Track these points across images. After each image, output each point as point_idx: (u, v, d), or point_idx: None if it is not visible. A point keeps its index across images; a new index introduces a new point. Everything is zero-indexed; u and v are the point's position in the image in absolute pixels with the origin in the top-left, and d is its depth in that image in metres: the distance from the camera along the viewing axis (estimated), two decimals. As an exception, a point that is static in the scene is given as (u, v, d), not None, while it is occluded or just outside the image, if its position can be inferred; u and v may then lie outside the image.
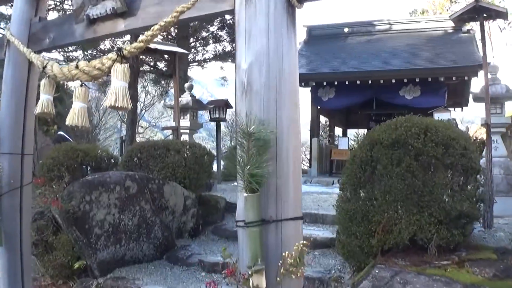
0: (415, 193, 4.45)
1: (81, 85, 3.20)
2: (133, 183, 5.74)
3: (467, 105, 19.08)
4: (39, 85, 3.46)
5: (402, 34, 18.26)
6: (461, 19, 7.27)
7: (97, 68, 3.00)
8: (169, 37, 19.67)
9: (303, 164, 32.06)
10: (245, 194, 2.29)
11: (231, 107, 14.56)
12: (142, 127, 32.88)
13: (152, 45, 7.09)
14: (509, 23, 22.50)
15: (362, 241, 4.63)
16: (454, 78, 15.03)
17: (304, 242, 2.32)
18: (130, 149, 7.24)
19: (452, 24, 17.94)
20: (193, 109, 10.56)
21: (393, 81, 15.27)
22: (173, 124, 9.71)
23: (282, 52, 2.50)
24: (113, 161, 7.41)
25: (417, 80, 15.13)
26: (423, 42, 17.40)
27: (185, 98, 10.42)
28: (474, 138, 12.54)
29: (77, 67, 3.07)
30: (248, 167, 2.20)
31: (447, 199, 4.45)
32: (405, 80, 15.25)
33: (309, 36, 19.49)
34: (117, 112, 30.35)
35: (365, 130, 22.32)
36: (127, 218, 5.62)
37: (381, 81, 15.30)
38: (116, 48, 3.09)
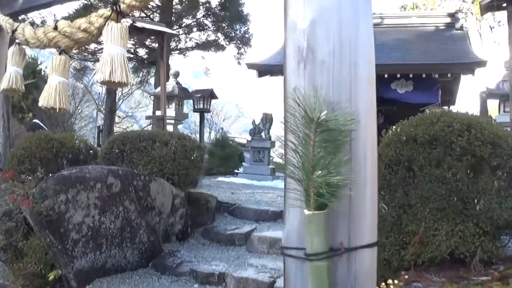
0: (460, 199, 3.77)
1: (60, 53, 2.39)
2: (116, 180, 4.94)
3: (454, 104, 18.67)
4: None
5: (394, 28, 17.68)
6: (489, 6, 6.64)
7: (83, 30, 2.20)
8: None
9: (283, 160, 31.54)
10: (309, 212, 1.53)
11: (216, 97, 13.79)
12: (119, 117, 31.79)
13: (139, 24, 6.26)
14: (499, 22, 22.21)
15: (391, 253, 3.93)
16: (449, 75, 14.51)
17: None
18: (112, 140, 6.38)
19: (444, 20, 17.47)
20: (178, 98, 9.76)
21: (386, 76, 14.67)
22: (155, 113, 8.88)
23: (358, 8, 1.74)
24: (92, 152, 6.58)
25: (411, 75, 14.56)
26: (416, 37, 16.86)
27: (170, 86, 9.60)
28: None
29: (55, 28, 2.26)
30: (319, 172, 1.44)
31: (494, 207, 3.78)
32: (398, 75, 14.67)
33: (296, 27, 18.67)
34: (94, 100, 29.25)
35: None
36: (108, 220, 4.82)
37: (373, 75, 14.65)
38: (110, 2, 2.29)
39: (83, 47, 17.86)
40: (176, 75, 9.93)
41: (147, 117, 11.31)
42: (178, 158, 6.07)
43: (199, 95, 12.32)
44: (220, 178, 12.97)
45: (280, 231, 6.13)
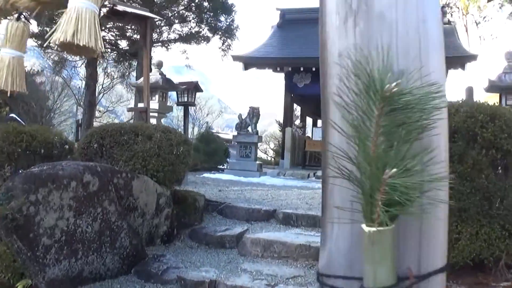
0: (485, 198, 3.34)
1: (18, 19, 1.89)
2: (94, 178, 4.40)
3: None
4: None
5: (382, 20, 17.32)
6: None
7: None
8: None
9: (268, 155, 31.08)
10: (371, 229, 1.04)
11: (200, 90, 13.27)
12: (99, 111, 31.05)
13: (120, 7, 5.70)
14: (484, 18, 22.02)
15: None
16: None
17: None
18: (90, 133, 5.82)
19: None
20: (162, 89, 9.21)
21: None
22: (138, 106, 8.32)
23: None
24: (67, 147, 6.01)
25: (401, 68, 14.20)
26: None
27: (154, 76, 9.05)
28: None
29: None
30: (394, 170, 0.96)
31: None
32: (388, 68, 14.30)
33: (282, 20, 18.33)
34: (73, 94, 28.45)
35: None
36: (85, 223, 4.29)
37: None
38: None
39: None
40: (160, 65, 9.38)
41: (129, 109, 10.73)
42: (163, 153, 5.56)
43: (184, 86, 11.78)
44: (206, 174, 12.48)
45: (273, 232, 5.67)
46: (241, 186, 10.19)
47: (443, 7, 17.30)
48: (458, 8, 19.43)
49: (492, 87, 8.47)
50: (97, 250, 4.41)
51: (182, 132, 13.49)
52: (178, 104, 12.92)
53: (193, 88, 12.53)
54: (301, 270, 4.73)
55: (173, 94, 14.30)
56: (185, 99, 12.53)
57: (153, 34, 18.48)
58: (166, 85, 9.19)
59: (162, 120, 10.13)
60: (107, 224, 4.50)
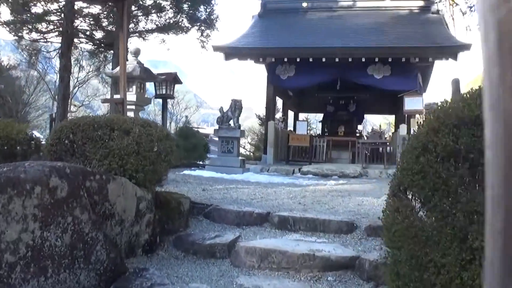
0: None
1: None
2: (62, 181, 3.69)
3: (425, 91, 17.95)
4: None
5: (367, 11, 16.86)
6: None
7: None
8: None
9: (246, 150, 30.42)
10: None
11: (180, 82, 12.55)
12: (75, 105, 29.98)
13: (91, -16, 4.96)
14: (471, 8, 21.63)
15: (449, 277, 2.89)
16: (430, 59, 13.75)
17: None
18: (59, 128, 5.07)
19: (419, 3, 16.70)
20: (140, 80, 8.46)
21: (363, 59, 13.77)
22: (116, 97, 7.56)
23: None
24: (34, 144, 5.27)
25: (389, 59, 13.71)
26: (391, 20, 16.07)
27: (131, 65, 8.28)
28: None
29: None
30: None
31: None
32: (376, 59, 13.79)
33: (263, 9, 17.68)
34: (49, 88, 27.36)
35: (321, 114, 20.97)
36: (54, 236, 3.59)
37: (349, 59, 13.74)
38: None
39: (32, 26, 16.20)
40: (137, 53, 8.61)
41: (104, 101, 9.92)
42: (143, 150, 4.86)
43: (163, 77, 11.04)
44: (186, 171, 11.78)
45: (269, 238, 5.04)
46: (225, 184, 9.53)
47: (430, -5, 16.85)
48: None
49: None
50: (69, 267, 3.72)
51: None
52: (157, 96, 12.20)
53: (172, 79, 11.82)
54: (307, 284, 4.11)
55: (149, 89, 13.56)
56: (164, 92, 11.82)
57: (130, 23, 17.63)
58: (144, 74, 8.42)
59: (140, 114, 9.40)
60: (79, 236, 3.80)
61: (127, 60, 8.55)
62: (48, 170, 3.66)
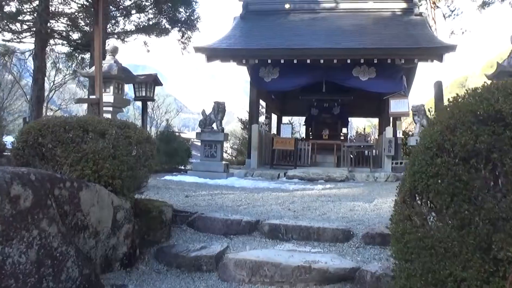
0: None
1: None
2: (26, 189, 3.22)
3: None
4: None
5: (350, 13, 16.63)
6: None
7: None
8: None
9: (228, 154, 29.94)
10: None
11: (160, 84, 12.08)
12: (51, 109, 29.20)
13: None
14: (453, 11, 21.62)
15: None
16: (415, 61, 13.49)
17: None
18: (26, 130, 4.57)
19: (402, 5, 16.50)
20: (118, 80, 7.97)
21: (348, 61, 13.46)
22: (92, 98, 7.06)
23: None
24: (-2, 148, 4.78)
25: (375, 61, 13.42)
26: (375, 22, 15.84)
27: (108, 64, 7.78)
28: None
29: None
30: None
31: None
32: (362, 61, 13.49)
33: (245, 11, 17.31)
34: (24, 92, 26.58)
35: (304, 117, 20.59)
36: (17, 251, 3.11)
37: (334, 61, 13.43)
38: None
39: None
40: (115, 51, 8.09)
41: (77, 100, 9.34)
42: (120, 154, 4.40)
43: (142, 77, 10.57)
44: (168, 177, 11.31)
45: (260, 249, 4.63)
46: (209, 189, 9.09)
47: (414, -3, 16.65)
48: (426, 0, 18.92)
49: (500, 73, 7.69)
50: (36, 286, 3.25)
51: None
52: (136, 98, 11.70)
53: (152, 81, 11.34)
54: (304, 301, 3.71)
55: (128, 93, 13.06)
56: (143, 94, 11.33)
57: (108, 24, 17.09)
58: (122, 74, 7.91)
59: (118, 116, 8.90)
60: (47, 251, 3.34)
61: (104, 59, 8.08)
62: (10, 176, 3.18)
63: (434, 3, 20.66)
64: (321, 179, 12.13)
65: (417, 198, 2.94)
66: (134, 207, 4.74)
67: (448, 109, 3.03)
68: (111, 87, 7.71)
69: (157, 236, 4.85)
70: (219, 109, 12.07)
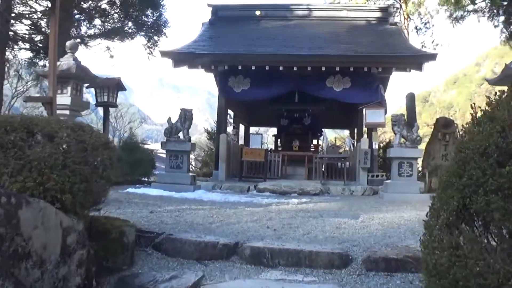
0: None
1: None
2: None
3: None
4: None
5: (324, 21, 16.17)
6: None
7: None
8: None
9: (193, 166, 28.95)
10: None
11: (123, 89, 11.20)
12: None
13: None
14: (425, 24, 21.49)
15: None
16: (393, 69, 13.06)
17: None
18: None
19: (377, 14, 16.16)
20: (76, 80, 7.07)
21: (323, 68, 12.90)
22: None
23: None
24: None
25: (351, 69, 12.91)
26: (350, 31, 15.43)
27: (66, 62, 6.88)
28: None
29: None
30: None
31: None
32: (337, 68, 12.95)
33: (214, 17, 16.62)
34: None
35: (275, 128, 19.94)
36: None
37: (308, 68, 12.84)
38: None
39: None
40: (74, 48, 7.16)
41: (27, 99, 8.20)
42: (72, 162, 3.57)
43: (104, 77, 9.72)
44: (130, 189, 10.43)
45: (243, 279, 3.87)
46: (176, 204, 8.27)
47: (388, 7, 16.32)
48: (400, 11, 18.69)
49: (506, 77, 7.24)
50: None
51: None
52: (98, 104, 10.77)
53: (115, 86, 10.46)
54: None
55: (88, 98, 12.12)
56: (105, 99, 10.43)
57: (71, 27, 16.07)
58: (82, 73, 6.99)
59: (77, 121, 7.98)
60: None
61: (62, 57, 7.18)
62: None
63: (407, 14, 20.45)
64: (294, 193, 11.46)
65: (469, 220, 2.25)
66: (90, 227, 3.93)
67: (493, 106, 2.37)
68: (69, 88, 6.80)
69: (118, 262, 4.02)
70: (186, 117, 11.26)
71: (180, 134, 11.46)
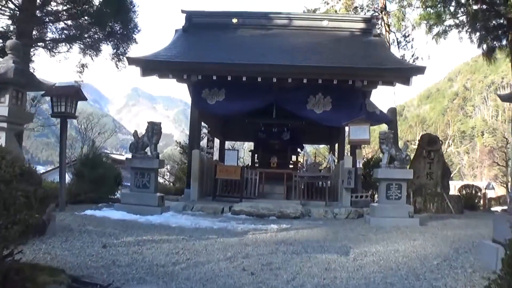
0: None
1: None
2: None
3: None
4: None
5: (305, 31, 15.33)
6: None
7: None
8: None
9: (166, 180, 27.73)
10: None
11: (84, 98, 10.05)
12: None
13: None
14: (406, 37, 20.87)
15: None
16: (379, 83, 12.20)
17: None
18: None
19: (359, 26, 15.35)
20: (16, 87, 5.91)
21: (305, 80, 11.98)
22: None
23: None
24: None
25: (334, 82, 12.01)
26: (333, 42, 14.53)
27: (4, 65, 5.69)
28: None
29: None
30: None
31: None
32: (320, 81, 12.04)
33: (188, 23, 15.60)
34: None
35: (248, 142, 18.90)
36: None
37: (289, 80, 11.92)
38: None
39: None
40: (15, 48, 5.87)
41: None
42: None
43: (58, 84, 8.56)
44: (89, 211, 9.28)
45: None
46: (137, 232, 7.15)
47: (372, 18, 15.52)
48: (381, 25, 18.01)
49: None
50: None
51: (59, 152, 10.10)
52: (53, 115, 9.57)
53: (74, 94, 9.27)
54: None
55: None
56: (63, 109, 9.25)
57: (33, 31, 14.79)
58: (23, 79, 5.74)
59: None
60: None
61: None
62: None
63: (389, 26, 19.79)
64: (273, 216, 10.43)
65: None
66: (4, 283, 2.83)
67: None
68: (7, 96, 5.57)
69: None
70: (154, 131, 10.13)
71: (148, 150, 10.34)
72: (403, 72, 11.75)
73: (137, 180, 10.13)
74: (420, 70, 11.60)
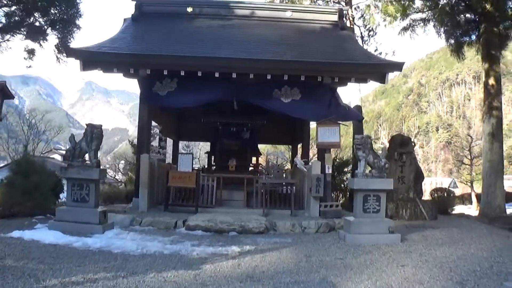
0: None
1: None
2: None
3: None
4: None
5: (269, 22, 14.02)
6: None
7: None
8: None
9: (118, 180, 25.98)
10: None
11: (10, 96, 8.47)
12: None
13: None
14: (369, 32, 19.95)
15: None
16: (352, 80, 11.07)
17: None
18: None
19: (327, 17, 14.21)
20: None
21: (268, 77, 10.71)
22: None
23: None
24: None
25: (302, 78, 10.79)
26: (298, 34, 13.32)
27: None
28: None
29: None
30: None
31: None
32: (285, 77, 10.78)
33: (138, 12, 14.05)
34: None
35: (209, 143, 17.48)
36: None
37: (251, 76, 10.61)
38: None
39: None
40: None
41: None
42: None
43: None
44: (17, 233, 7.74)
45: None
46: (68, 268, 5.68)
47: (340, 9, 14.38)
48: (346, 19, 16.95)
49: None
50: None
51: None
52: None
53: (-4, 92, 7.72)
54: None
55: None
56: (-18, 110, 7.69)
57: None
58: None
59: None
60: None
61: None
62: None
63: (353, 19, 18.79)
64: (233, 231, 9.15)
65: None
66: None
67: None
68: None
69: None
70: (94, 135, 8.62)
71: (87, 157, 8.85)
72: (379, 68, 10.66)
73: (74, 193, 8.63)
74: (398, 66, 10.56)
